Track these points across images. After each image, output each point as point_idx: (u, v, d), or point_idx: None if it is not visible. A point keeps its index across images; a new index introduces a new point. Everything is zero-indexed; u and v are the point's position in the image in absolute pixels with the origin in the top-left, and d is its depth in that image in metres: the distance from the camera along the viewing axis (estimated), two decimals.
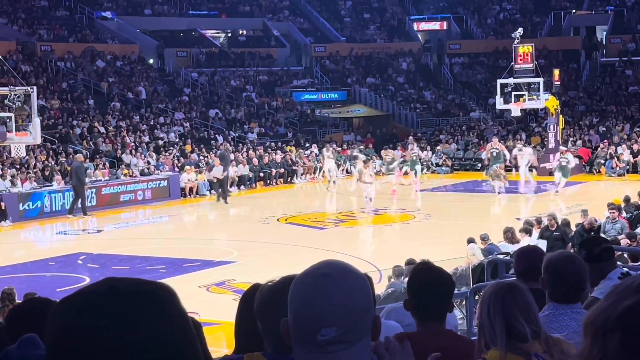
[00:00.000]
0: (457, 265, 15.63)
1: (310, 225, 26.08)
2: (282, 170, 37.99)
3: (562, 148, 35.10)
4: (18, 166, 31.27)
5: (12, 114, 18.44)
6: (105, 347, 1.59)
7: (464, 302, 11.33)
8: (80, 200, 28.69)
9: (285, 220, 27.71)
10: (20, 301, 12.99)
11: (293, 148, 41.64)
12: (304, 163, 39.31)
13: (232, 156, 36.07)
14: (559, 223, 17.94)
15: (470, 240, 16.48)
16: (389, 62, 56.32)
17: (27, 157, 30.59)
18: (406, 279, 13.45)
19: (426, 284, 3.93)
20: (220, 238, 24.89)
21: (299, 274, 2.15)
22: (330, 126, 49.42)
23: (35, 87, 19.57)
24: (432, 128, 49.19)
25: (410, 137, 42.17)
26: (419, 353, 3.03)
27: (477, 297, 9.78)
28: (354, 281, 2.10)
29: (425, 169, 39.95)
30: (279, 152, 39.51)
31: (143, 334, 1.61)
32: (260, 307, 2.89)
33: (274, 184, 37.23)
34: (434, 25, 60.64)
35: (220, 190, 32.22)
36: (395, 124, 51.04)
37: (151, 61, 51.58)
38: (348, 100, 53.07)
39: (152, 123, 41.99)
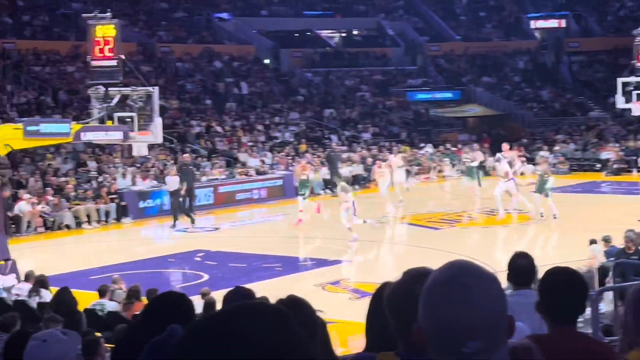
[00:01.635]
0: (578, 267, 15.27)
1: (425, 225, 25.91)
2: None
3: None
4: (138, 165, 32.08)
5: (134, 114, 18.85)
6: None
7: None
8: (188, 200, 29.17)
9: (401, 220, 27.61)
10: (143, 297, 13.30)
11: (407, 148, 41.47)
12: (419, 164, 39.09)
13: (344, 155, 36.20)
14: None
15: (593, 242, 16.12)
16: (505, 61, 55.55)
17: (148, 156, 31.27)
18: None
19: (560, 285, 3.84)
20: (334, 237, 24.95)
21: (432, 281, 2.11)
22: (444, 126, 49.05)
23: (156, 88, 19.96)
24: (549, 128, 48.26)
25: (475, 145, 40.64)
26: (553, 356, 2.95)
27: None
28: (493, 287, 2.08)
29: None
30: (393, 151, 39.38)
31: (265, 350, 1.65)
32: (390, 305, 2.87)
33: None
34: (552, 23, 59.45)
35: (177, 207, 27.38)
36: (511, 124, 50.23)
37: (267, 61, 52.14)
38: (463, 100, 52.54)
39: (267, 123, 42.45)
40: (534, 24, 59.62)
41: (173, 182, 27.15)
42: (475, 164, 31.67)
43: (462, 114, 51.11)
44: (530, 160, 40.99)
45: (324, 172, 35.05)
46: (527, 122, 50.15)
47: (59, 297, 11.81)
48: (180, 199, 27.21)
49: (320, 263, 21.01)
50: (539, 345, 2.78)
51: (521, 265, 5.58)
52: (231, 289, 5.03)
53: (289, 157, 37.09)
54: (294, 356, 1.67)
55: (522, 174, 38.06)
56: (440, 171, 39.74)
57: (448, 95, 52.88)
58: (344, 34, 58.39)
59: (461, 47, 56.49)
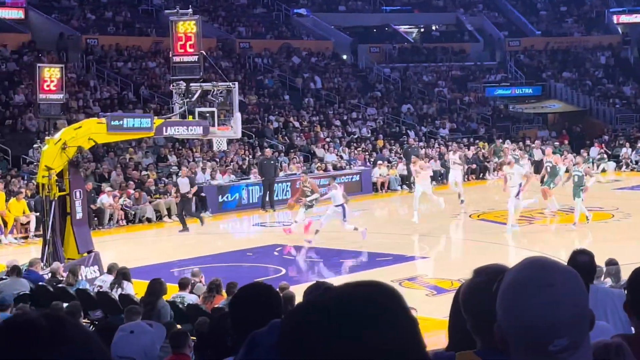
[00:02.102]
0: None
1: (503, 222, 25.66)
2: (474, 166, 37.62)
3: None
4: (217, 159, 32.46)
5: (214, 109, 19.09)
6: (333, 354, 1.65)
7: None
8: (268, 194, 29.57)
9: (477, 216, 27.43)
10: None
11: (485, 144, 41.11)
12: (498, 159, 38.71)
13: (422, 152, 36.09)
14: None
15: None
16: (587, 56, 54.65)
17: (227, 150, 31.62)
18: (606, 280, 13.03)
19: None
20: (411, 233, 24.91)
21: (512, 280, 2.09)
22: (524, 122, 48.51)
23: (236, 83, 20.18)
24: (631, 124, 47.35)
25: (537, 142, 39.70)
26: None
27: None
28: (576, 282, 2.08)
29: (624, 167, 38.92)
30: (452, 147, 39.01)
31: (371, 339, 1.66)
32: (466, 305, 2.87)
33: (465, 179, 36.85)
34: (636, 18, 58.24)
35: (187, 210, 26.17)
36: (592, 120, 49.42)
37: (345, 57, 52.20)
38: (543, 96, 51.90)
39: (344, 118, 42.52)
40: (616, 19, 58.49)
41: (183, 184, 25.78)
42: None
43: (541, 110, 50.49)
44: (613, 157, 40.39)
45: (401, 168, 34.99)
46: (609, 118, 49.28)
47: (152, 288, 11.98)
48: (191, 202, 26.22)
49: (398, 259, 20.99)
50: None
51: (582, 262, 5.54)
52: (312, 283, 5.09)
53: (366, 153, 37.11)
54: (405, 344, 1.69)
55: (603, 170, 37.54)
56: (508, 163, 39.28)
57: (528, 91, 52.30)
58: (422, 29, 58.13)
59: (541, 42, 55.76)
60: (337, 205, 22.37)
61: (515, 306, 2.06)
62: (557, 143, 42.32)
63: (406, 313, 1.73)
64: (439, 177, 36.11)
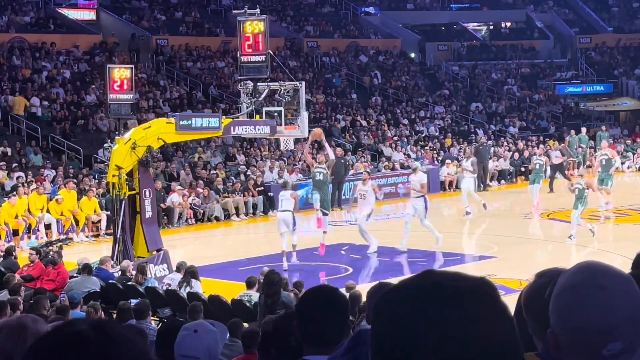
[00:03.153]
0: None
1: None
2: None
3: None
4: (285, 159, 32.60)
5: (281, 108, 19.17)
6: (428, 343, 1.61)
7: None
8: (337, 193, 29.62)
9: (547, 216, 27.10)
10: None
11: (555, 143, 40.57)
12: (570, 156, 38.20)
13: (492, 150, 35.77)
14: None
15: None
16: None
17: (294, 149, 31.73)
18: None
19: None
20: (480, 232, 24.70)
21: (564, 285, 2.08)
22: (595, 120, 47.78)
23: (303, 82, 20.24)
24: None
25: (556, 144, 38.14)
26: None
27: None
28: (630, 287, 2.06)
29: None
30: (540, 146, 38.59)
31: (467, 332, 1.62)
32: (527, 307, 2.85)
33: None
34: None
35: None
36: None
37: (412, 55, 52.02)
38: (615, 93, 51.06)
39: (412, 117, 42.37)
40: None
41: None
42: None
43: (613, 108, 49.67)
44: None
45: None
46: None
47: (269, 279, 12.01)
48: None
49: (465, 258, 20.84)
50: None
51: None
52: (375, 283, 5.08)
53: (434, 152, 36.92)
54: (497, 338, 1.65)
55: None
56: (589, 166, 38.69)
57: (599, 88, 51.50)
58: (491, 27, 57.63)
59: (613, 39, 54.87)
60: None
61: (568, 310, 2.05)
62: (629, 141, 41.60)
63: (508, 309, 1.72)
64: (508, 176, 35.79)
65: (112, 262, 17.26)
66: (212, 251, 23.09)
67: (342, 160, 30.73)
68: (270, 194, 29.04)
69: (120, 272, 16.28)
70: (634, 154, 39.53)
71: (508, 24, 57.50)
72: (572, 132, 38.53)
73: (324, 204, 20.76)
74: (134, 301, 12.44)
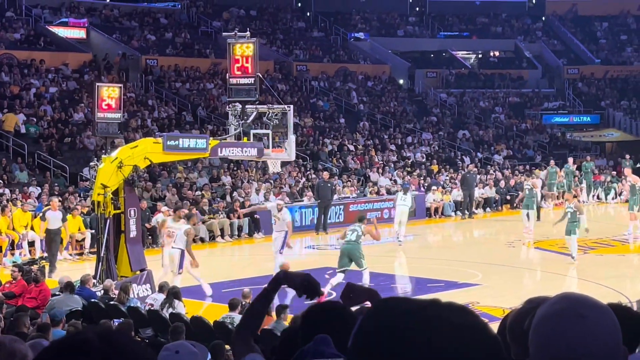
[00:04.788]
0: None
1: (557, 251, 25.38)
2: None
3: None
4: (271, 181, 32.60)
5: (269, 131, 19.21)
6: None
7: None
8: (323, 217, 29.68)
9: (532, 244, 27.16)
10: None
11: (540, 172, 40.69)
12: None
13: (477, 178, 35.88)
14: None
15: None
16: None
17: (280, 172, 31.74)
18: None
19: None
20: (464, 260, 24.72)
21: (544, 315, 2.09)
22: (581, 150, 48.00)
23: (292, 106, 20.30)
24: None
25: (539, 170, 38.97)
26: None
27: None
28: (608, 317, 2.07)
29: None
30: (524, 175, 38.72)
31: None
32: (512, 333, 2.87)
33: (520, 207, 36.49)
34: None
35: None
36: None
37: (401, 81, 52.23)
38: (601, 124, 51.37)
39: (399, 142, 42.47)
40: None
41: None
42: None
43: (600, 139, 49.96)
44: None
45: (455, 194, 34.81)
46: None
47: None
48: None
49: (449, 285, 20.83)
50: None
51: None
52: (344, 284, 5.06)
53: (421, 178, 36.99)
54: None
55: None
56: (575, 196, 38.83)
57: (586, 119, 51.83)
58: (480, 55, 57.97)
59: (601, 71, 55.27)
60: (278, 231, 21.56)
61: (547, 339, 2.05)
62: (614, 172, 41.77)
63: (491, 331, 1.75)
64: (494, 204, 35.90)
65: (95, 281, 17.19)
66: (195, 272, 22.97)
67: (329, 184, 30.79)
68: (257, 216, 29.01)
69: (102, 292, 16.21)
70: (617, 185, 39.67)
71: (497, 53, 57.81)
72: (552, 162, 38.67)
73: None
74: (116, 321, 12.38)
